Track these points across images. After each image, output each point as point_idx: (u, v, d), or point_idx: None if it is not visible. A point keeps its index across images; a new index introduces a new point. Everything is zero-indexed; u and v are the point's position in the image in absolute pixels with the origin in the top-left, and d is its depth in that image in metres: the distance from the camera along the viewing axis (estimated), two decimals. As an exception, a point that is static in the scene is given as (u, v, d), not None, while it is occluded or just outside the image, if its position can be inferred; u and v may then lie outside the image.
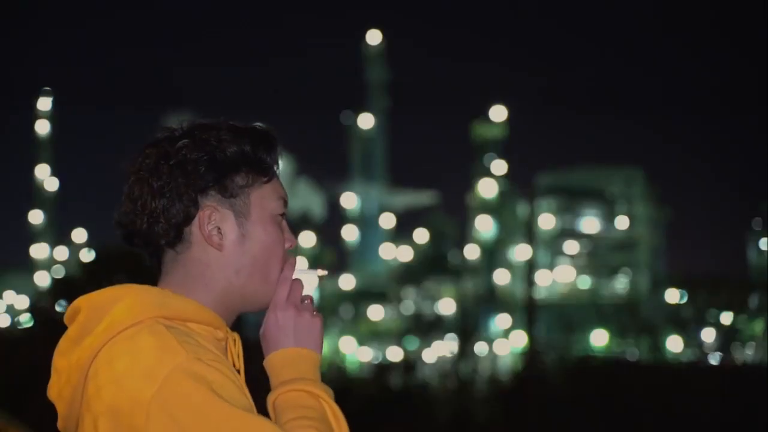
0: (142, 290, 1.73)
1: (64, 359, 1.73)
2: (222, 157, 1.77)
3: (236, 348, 1.81)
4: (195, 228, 1.77)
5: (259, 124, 1.85)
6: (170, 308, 1.71)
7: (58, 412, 1.77)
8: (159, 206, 1.75)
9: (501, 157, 76.58)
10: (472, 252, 73.38)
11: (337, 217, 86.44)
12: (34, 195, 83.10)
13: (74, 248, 68.67)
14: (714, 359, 22.75)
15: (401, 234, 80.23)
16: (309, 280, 1.88)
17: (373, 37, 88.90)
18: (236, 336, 1.82)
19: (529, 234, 21.32)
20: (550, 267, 71.19)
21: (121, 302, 1.70)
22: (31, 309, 17.51)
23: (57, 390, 1.75)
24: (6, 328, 29.81)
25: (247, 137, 1.81)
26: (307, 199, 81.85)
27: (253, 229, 1.80)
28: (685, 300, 31.70)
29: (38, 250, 79.88)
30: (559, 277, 71.58)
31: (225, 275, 1.79)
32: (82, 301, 1.75)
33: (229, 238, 1.78)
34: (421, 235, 75.94)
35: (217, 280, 1.78)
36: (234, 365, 1.78)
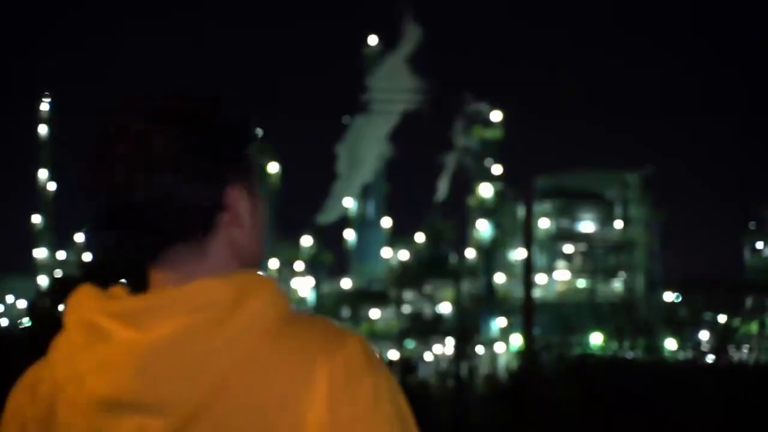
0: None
1: None
2: (238, 127, 1.61)
3: None
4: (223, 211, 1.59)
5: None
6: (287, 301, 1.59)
7: None
8: (187, 195, 1.53)
9: (499, 159, 76.65)
10: (470, 254, 73.49)
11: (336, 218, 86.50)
12: (37, 198, 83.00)
13: (76, 250, 68.81)
14: (709, 360, 22.83)
15: (401, 235, 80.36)
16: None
17: (374, 39, 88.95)
18: None
19: (526, 235, 21.44)
20: (548, 268, 71.26)
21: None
22: (30, 309, 17.65)
23: None
24: (6, 328, 29.90)
25: (231, 107, 1.62)
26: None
27: (257, 199, 1.65)
28: (679, 301, 31.82)
29: (41, 253, 79.81)
30: (557, 279, 71.67)
31: (252, 251, 1.63)
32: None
33: (250, 214, 1.62)
34: (421, 237, 76.08)
35: (250, 257, 1.64)
36: None
